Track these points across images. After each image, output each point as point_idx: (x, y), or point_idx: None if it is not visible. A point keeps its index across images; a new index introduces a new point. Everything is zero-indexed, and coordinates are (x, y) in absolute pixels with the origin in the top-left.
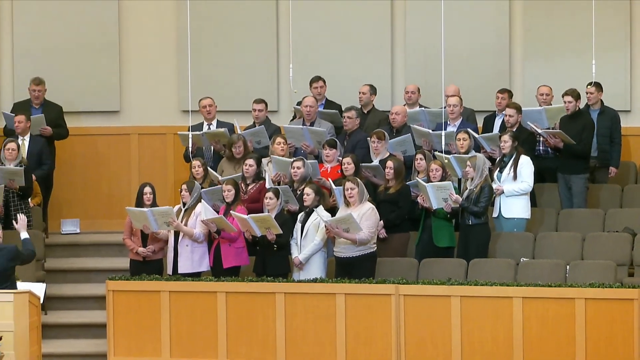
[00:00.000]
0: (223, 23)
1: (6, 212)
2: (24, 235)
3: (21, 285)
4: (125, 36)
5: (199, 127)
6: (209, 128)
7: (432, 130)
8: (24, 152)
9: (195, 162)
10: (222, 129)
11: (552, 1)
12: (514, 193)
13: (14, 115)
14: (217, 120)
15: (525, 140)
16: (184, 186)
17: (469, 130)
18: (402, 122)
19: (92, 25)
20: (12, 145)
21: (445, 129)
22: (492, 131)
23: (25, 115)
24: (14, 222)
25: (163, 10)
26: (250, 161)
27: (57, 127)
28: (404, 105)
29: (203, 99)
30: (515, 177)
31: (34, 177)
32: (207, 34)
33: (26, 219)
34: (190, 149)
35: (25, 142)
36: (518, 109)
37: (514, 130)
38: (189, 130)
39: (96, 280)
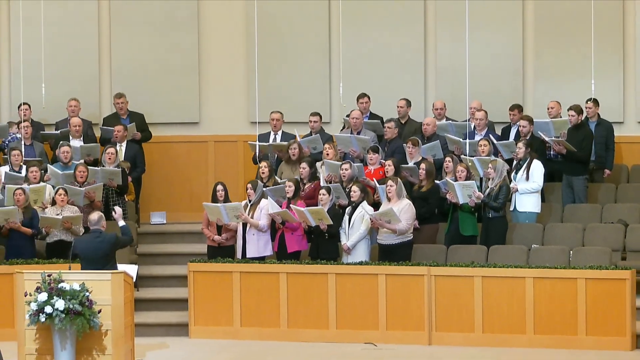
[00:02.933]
0: (285, 49)
1: (106, 207)
2: (122, 223)
3: (118, 267)
4: (204, 61)
5: (266, 135)
6: (275, 138)
7: (462, 139)
8: (121, 156)
9: (263, 164)
10: (285, 142)
11: (558, 31)
12: (527, 191)
13: (110, 129)
14: (282, 131)
15: (537, 147)
16: (249, 185)
17: (490, 137)
18: (432, 131)
19: (176, 51)
20: (111, 150)
21: (473, 138)
22: (508, 139)
23: (123, 126)
24: (112, 214)
25: (235, 38)
26: (304, 164)
27: (142, 131)
28: (434, 117)
29: (273, 112)
30: (527, 178)
31: (129, 177)
32: (272, 59)
33: (121, 210)
34: (257, 154)
35: (122, 148)
36: (530, 120)
37: (528, 138)
38: (257, 140)
39: (179, 262)
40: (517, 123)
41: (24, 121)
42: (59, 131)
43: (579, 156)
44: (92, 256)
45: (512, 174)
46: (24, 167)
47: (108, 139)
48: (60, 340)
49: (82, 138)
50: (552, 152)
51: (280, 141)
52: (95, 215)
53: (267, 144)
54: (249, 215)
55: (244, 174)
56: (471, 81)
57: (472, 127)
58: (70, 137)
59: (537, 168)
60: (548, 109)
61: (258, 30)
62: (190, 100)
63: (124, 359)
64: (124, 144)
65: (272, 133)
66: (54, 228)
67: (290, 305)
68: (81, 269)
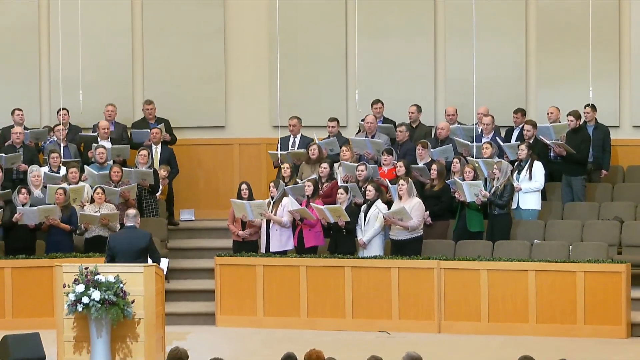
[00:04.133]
0: (305, 59)
1: (139, 205)
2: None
3: (150, 260)
4: (229, 69)
5: (287, 139)
6: (294, 141)
7: (470, 142)
8: (157, 158)
9: (285, 165)
10: (302, 150)
11: (559, 42)
12: (529, 190)
13: (143, 131)
14: (301, 135)
15: (541, 150)
16: (272, 184)
17: (497, 140)
18: (445, 135)
19: (204, 60)
20: (144, 152)
21: (480, 141)
22: (510, 141)
23: (159, 129)
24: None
25: (258, 48)
26: (324, 164)
27: (170, 135)
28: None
29: (291, 118)
30: (530, 178)
31: (167, 179)
32: (293, 67)
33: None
34: (275, 163)
35: (158, 150)
36: (534, 125)
37: (531, 141)
38: (278, 142)
39: (207, 256)
40: (520, 125)
41: (62, 125)
42: (95, 134)
43: (578, 158)
44: (126, 250)
45: (515, 174)
46: (63, 168)
47: (139, 143)
48: (97, 328)
49: (109, 140)
50: (552, 154)
51: (299, 143)
52: (132, 211)
53: (286, 152)
54: (272, 212)
55: (266, 174)
56: (478, 88)
57: (480, 130)
58: (99, 139)
59: (538, 168)
60: (548, 114)
61: (280, 40)
62: (217, 106)
63: (155, 346)
64: (159, 147)
65: (291, 137)
66: (92, 224)
67: (310, 296)
68: (116, 262)
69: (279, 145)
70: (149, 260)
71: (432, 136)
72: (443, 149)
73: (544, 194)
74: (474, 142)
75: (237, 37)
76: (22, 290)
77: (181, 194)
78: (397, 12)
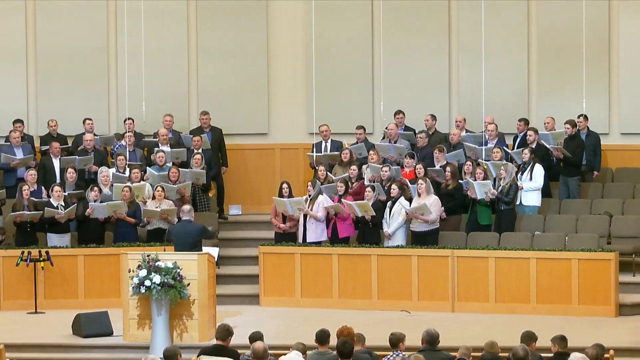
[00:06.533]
0: (337, 74)
1: (193, 201)
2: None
3: (203, 249)
4: (272, 83)
5: (319, 143)
6: (326, 146)
7: (478, 146)
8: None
9: (321, 167)
10: (337, 152)
11: (556, 60)
12: (530, 189)
13: (188, 136)
14: (331, 139)
15: (545, 153)
16: (309, 183)
17: (505, 147)
18: (457, 141)
19: (249, 76)
20: (198, 156)
21: (486, 145)
22: (515, 146)
23: (200, 137)
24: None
25: (296, 65)
26: (353, 167)
27: (219, 142)
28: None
29: (321, 125)
30: (531, 178)
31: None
32: (326, 82)
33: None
34: (312, 164)
35: (199, 153)
36: (535, 131)
37: (534, 145)
38: (313, 147)
39: (252, 245)
40: (522, 132)
41: (128, 132)
42: (156, 139)
43: (573, 161)
44: (183, 240)
45: (518, 175)
46: (127, 169)
47: (187, 147)
48: (157, 307)
49: (169, 145)
50: (551, 157)
51: (330, 146)
52: (187, 206)
53: (322, 154)
54: (308, 208)
55: (304, 175)
56: (486, 100)
57: (487, 137)
58: (160, 144)
59: (539, 170)
60: (545, 123)
61: (315, 59)
62: (261, 115)
63: (207, 323)
64: (200, 151)
65: (323, 142)
66: (153, 218)
67: (341, 280)
68: (174, 251)
69: (314, 149)
70: (203, 249)
71: (447, 142)
72: (455, 154)
73: (550, 191)
74: (483, 146)
75: (278, 56)
76: (92, 275)
77: (230, 191)
78: (416, 35)
